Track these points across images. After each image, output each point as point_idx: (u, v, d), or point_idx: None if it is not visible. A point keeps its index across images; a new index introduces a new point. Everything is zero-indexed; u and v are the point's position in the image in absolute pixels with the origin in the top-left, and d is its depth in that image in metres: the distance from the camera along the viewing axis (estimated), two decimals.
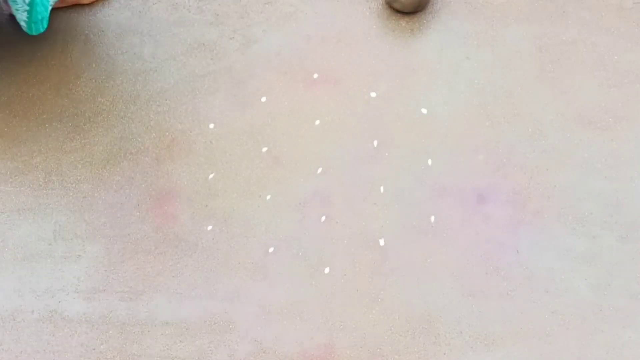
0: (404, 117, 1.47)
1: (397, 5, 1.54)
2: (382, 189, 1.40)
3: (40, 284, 1.35)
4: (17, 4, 1.31)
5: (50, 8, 1.38)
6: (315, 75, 1.52)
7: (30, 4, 1.32)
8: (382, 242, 1.35)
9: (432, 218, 1.37)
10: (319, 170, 1.42)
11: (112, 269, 1.35)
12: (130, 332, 1.30)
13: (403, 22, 1.55)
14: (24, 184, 1.44)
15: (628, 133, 1.43)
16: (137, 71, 1.55)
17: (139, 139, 1.47)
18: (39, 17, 1.37)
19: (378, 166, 1.42)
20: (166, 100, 1.51)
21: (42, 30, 1.40)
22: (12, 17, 1.56)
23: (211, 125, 1.48)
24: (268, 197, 1.40)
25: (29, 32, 1.41)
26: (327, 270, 1.33)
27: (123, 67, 1.56)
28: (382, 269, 1.33)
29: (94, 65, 1.57)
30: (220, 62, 1.55)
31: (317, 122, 1.47)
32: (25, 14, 1.35)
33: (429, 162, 1.42)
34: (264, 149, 1.45)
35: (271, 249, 1.35)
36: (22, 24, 1.37)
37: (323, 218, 1.38)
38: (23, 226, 1.40)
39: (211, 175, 1.43)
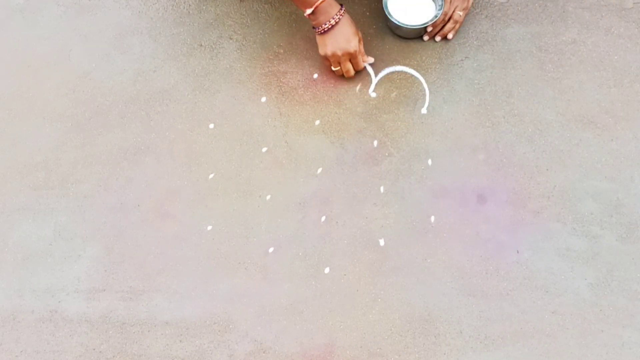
0: (404, 117, 1.47)
1: (399, 32, 1.54)
2: (382, 189, 1.40)
3: (40, 284, 1.35)
4: None
5: None
6: (315, 75, 1.52)
7: None
8: (382, 242, 1.35)
9: (432, 218, 1.37)
10: (319, 170, 1.42)
11: (112, 269, 1.35)
12: (130, 332, 1.30)
13: None
14: (24, 184, 1.44)
15: (628, 133, 1.43)
16: (137, 71, 1.55)
17: (139, 139, 1.47)
18: None
19: (378, 166, 1.42)
20: (166, 100, 1.51)
21: None
22: None
23: (211, 125, 1.48)
24: (268, 197, 1.40)
25: None
26: (327, 270, 1.33)
27: (123, 67, 1.56)
28: (382, 269, 1.33)
29: (94, 65, 1.57)
30: (220, 62, 1.55)
31: (317, 122, 1.47)
32: None
33: (429, 162, 1.42)
34: (264, 149, 1.45)
35: (271, 249, 1.35)
36: None
37: (323, 218, 1.38)
38: (23, 226, 1.40)
39: (211, 175, 1.43)
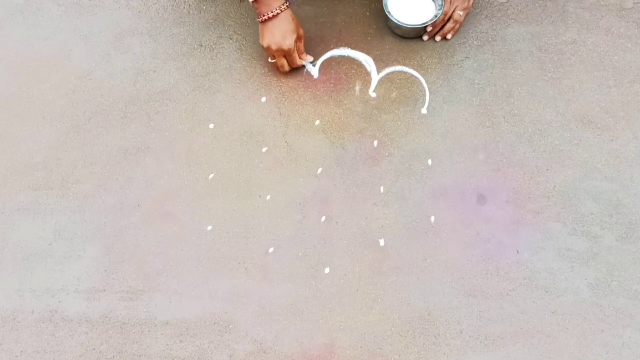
0: (404, 117, 1.47)
1: (398, 32, 1.54)
2: (382, 189, 1.40)
3: (40, 284, 1.35)
4: None
5: None
6: (316, 75, 1.52)
7: None
8: (382, 242, 1.35)
9: (432, 218, 1.37)
10: (319, 170, 1.42)
11: (112, 269, 1.35)
12: (130, 332, 1.30)
13: None
14: (24, 184, 1.44)
15: (628, 133, 1.43)
16: (137, 71, 1.55)
17: (139, 139, 1.47)
18: None
19: (378, 166, 1.42)
20: (166, 100, 1.51)
21: None
22: None
23: (211, 125, 1.48)
24: (268, 197, 1.40)
25: None
26: (327, 270, 1.33)
27: (123, 67, 1.56)
28: (382, 269, 1.33)
29: (94, 65, 1.57)
30: (220, 62, 1.55)
31: (317, 122, 1.47)
32: None
33: (429, 162, 1.42)
34: (264, 149, 1.45)
35: (271, 249, 1.35)
36: None
37: (323, 218, 1.38)
38: (23, 226, 1.40)
39: (211, 175, 1.43)
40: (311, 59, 1.50)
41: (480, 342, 1.26)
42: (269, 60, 1.48)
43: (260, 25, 1.42)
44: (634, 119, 1.45)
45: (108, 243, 1.37)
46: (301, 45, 1.47)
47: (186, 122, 1.49)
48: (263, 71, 1.53)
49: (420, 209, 1.38)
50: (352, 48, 1.54)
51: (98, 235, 1.38)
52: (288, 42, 1.41)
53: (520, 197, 1.38)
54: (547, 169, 1.40)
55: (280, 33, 1.41)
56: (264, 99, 1.50)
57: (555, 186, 1.39)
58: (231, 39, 1.58)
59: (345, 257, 1.34)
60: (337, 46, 1.55)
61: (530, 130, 1.44)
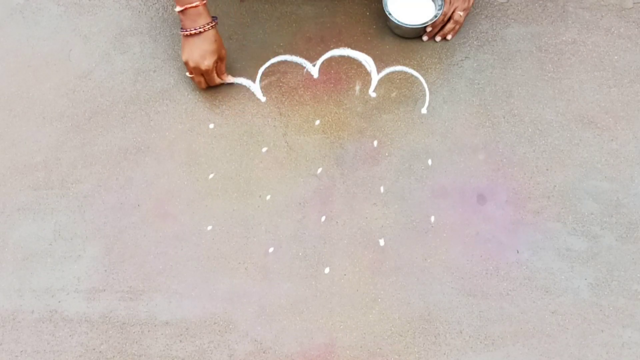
0: (404, 117, 1.47)
1: (398, 32, 1.54)
2: (382, 189, 1.40)
3: (40, 284, 1.35)
4: None
5: None
6: (316, 75, 1.52)
7: None
8: (382, 242, 1.35)
9: (432, 218, 1.37)
10: (319, 170, 1.42)
11: (112, 269, 1.35)
12: (130, 332, 1.30)
13: None
14: (24, 184, 1.44)
15: (628, 133, 1.43)
16: (137, 71, 1.55)
17: (139, 139, 1.47)
18: None
19: (378, 166, 1.42)
20: (166, 100, 1.51)
21: None
22: None
23: (211, 125, 1.48)
24: (268, 197, 1.40)
25: None
26: (327, 270, 1.33)
27: (123, 67, 1.56)
28: (382, 269, 1.33)
29: (94, 65, 1.57)
30: None
31: (317, 122, 1.47)
32: None
33: (429, 162, 1.42)
34: (264, 149, 1.45)
35: (271, 249, 1.35)
36: None
37: (323, 218, 1.38)
38: (23, 226, 1.40)
39: (211, 175, 1.43)
40: (232, 79, 1.48)
41: (480, 342, 1.26)
42: (186, 74, 1.47)
43: (182, 39, 1.39)
44: (634, 119, 1.45)
45: (108, 243, 1.37)
46: (222, 66, 1.44)
47: (186, 122, 1.49)
48: (263, 71, 1.53)
49: (420, 209, 1.38)
50: (352, 48, 1.54)
51: (98, 235, 1.38)
52: (207, 63, 1.39)
53: (520, 197, 1.38)
54: (547, 169, 1.40)
55: (200, 52, 1.38)
56: (263, 99, 1.50)
57: (555, 186, 1.39)
58: (231, 39, 1.58)
59: (345, 257, 1.34)
60: (337, 46, 1.55)
61: (530, 130, 1.44)
